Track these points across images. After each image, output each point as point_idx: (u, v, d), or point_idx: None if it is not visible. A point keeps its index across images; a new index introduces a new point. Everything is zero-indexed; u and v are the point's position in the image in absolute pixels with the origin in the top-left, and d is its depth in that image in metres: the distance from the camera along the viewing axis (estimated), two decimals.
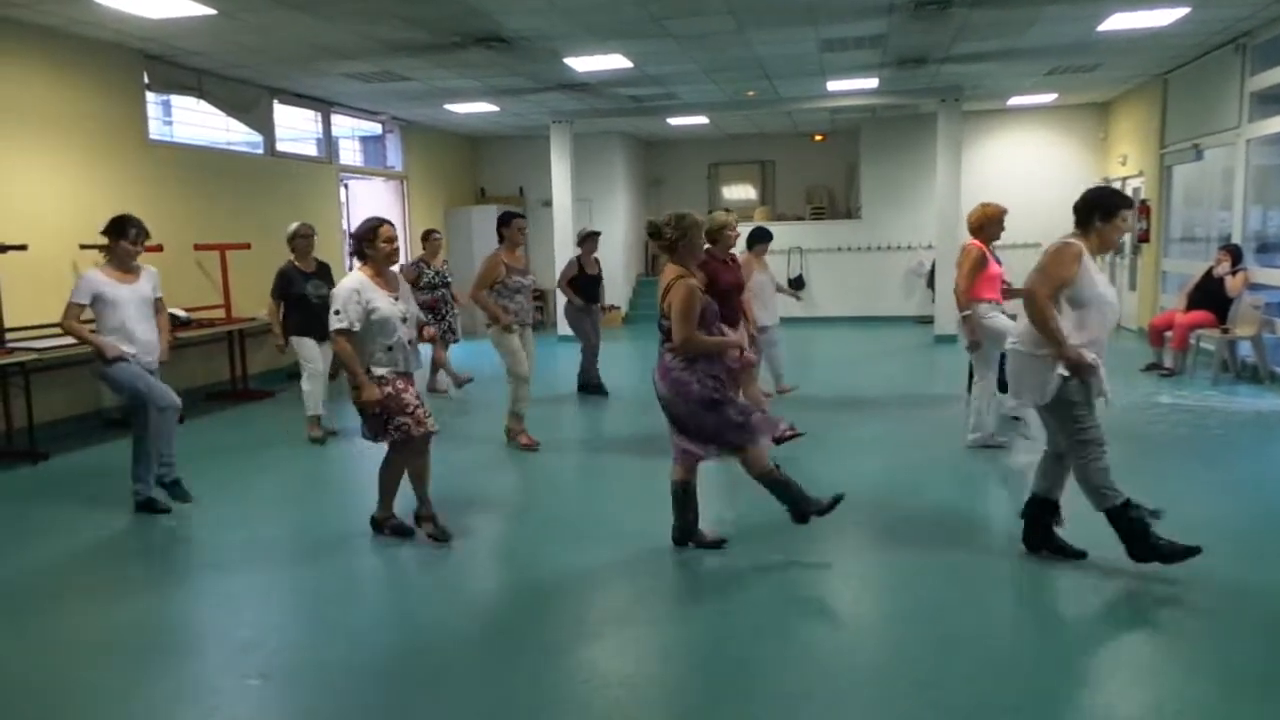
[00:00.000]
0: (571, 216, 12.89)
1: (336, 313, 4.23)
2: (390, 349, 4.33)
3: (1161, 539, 3.73)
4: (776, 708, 2.91)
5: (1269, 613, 3.51)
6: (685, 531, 4.28)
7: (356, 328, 4.25)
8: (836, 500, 4.19)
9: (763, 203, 15.97)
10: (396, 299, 4.40)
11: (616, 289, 15.11)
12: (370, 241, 4.35)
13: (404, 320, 4.40)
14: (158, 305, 5.17)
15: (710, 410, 4.02)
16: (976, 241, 5.85)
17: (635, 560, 4.26)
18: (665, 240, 4.08)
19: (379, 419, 4.36)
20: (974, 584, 3.87)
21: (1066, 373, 3.68)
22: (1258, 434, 6.45)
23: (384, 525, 4.59)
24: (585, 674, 3.26)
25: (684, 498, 4.24)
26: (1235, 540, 4.35)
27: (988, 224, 5.84)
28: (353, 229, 4.47)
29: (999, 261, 5.91)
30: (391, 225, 4.47)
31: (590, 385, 8.57)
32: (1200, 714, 2.85)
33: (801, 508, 4.16)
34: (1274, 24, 8.14)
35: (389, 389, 4.30)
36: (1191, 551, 3.69)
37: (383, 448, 4.52)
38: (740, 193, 16.40)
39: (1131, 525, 3.74)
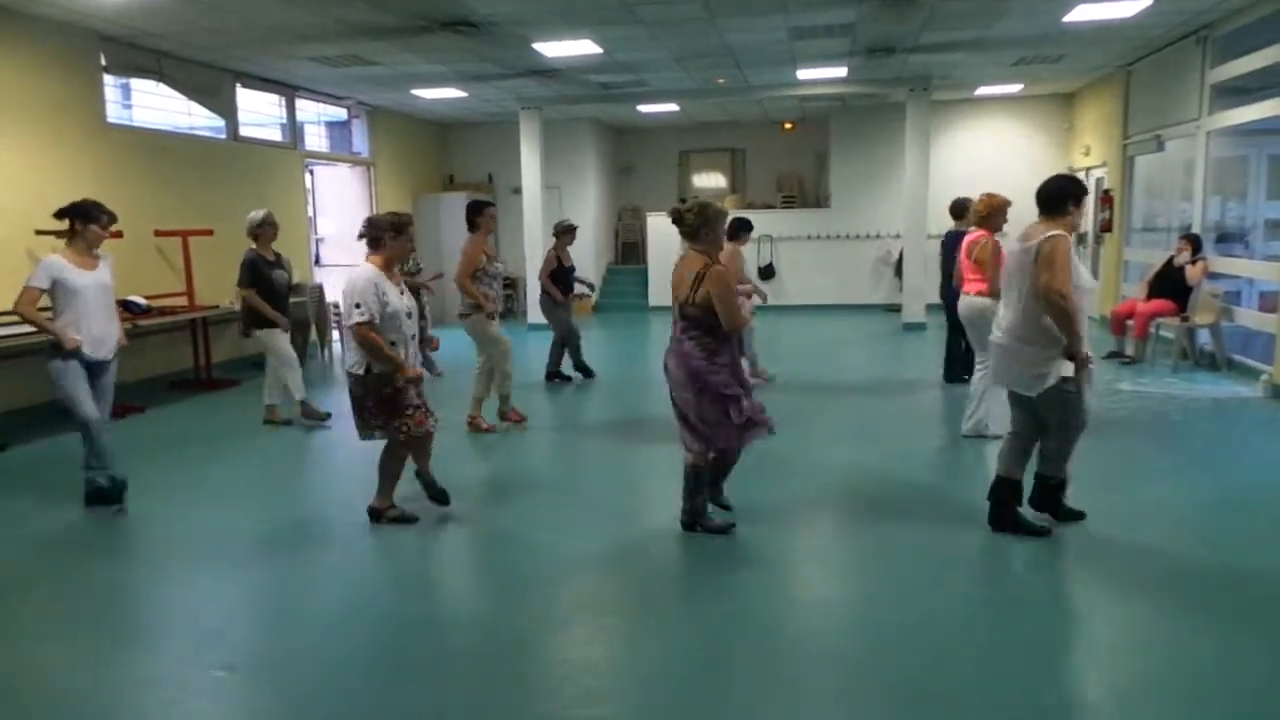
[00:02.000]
0: (541, 204, 12.81)
1: (357, 306, 4.19)
2: (394, 344, 4.30)
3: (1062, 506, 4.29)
4: (744, 691, 2.93)
5: (1224, 592, 3.59)
6: (695, 515, 4.29)
7: (378, 320, 4.23)
8: (726, 528, 4.29)
9: (733, 191, 15.99)
10: (402, 293, 4.42)
11: (586, 277, 15.05)
12: (396, 235, 4.37)
13: (409, 315, 4.41)
14: None
15: (717, 403, 4.04)
16: (984, 231, 5.87)
17: (605, 548, 4.25)
18: (686, 226, 4.10)
19: (373, 415, 4.36)
20: (943, 567, 3.91)
21: (1070, 373, 3.81)
22: (1216, 420, 6.59)
23: (384, 515, 4.55)
24: (556, 662, 3.26)
25: (696, 482, 4.25)
26: (1192, 523, 4.45)
27: (994, 213, 5.88)
28: (371, 216, 4.49)
29: None
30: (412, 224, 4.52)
31: (558, 373, 8.52)
32: (1158, 690, 2.91)
33: (695, 515, 4.27)
34: (1234, 17, 8.28)
35: (388, 389, 4.30)
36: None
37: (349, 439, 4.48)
38: (710, 181, 16.40)
39: (1056, 496, 4.24)
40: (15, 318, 6.96)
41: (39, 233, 7.28)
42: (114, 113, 8.52)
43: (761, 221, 14.34)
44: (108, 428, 4.96)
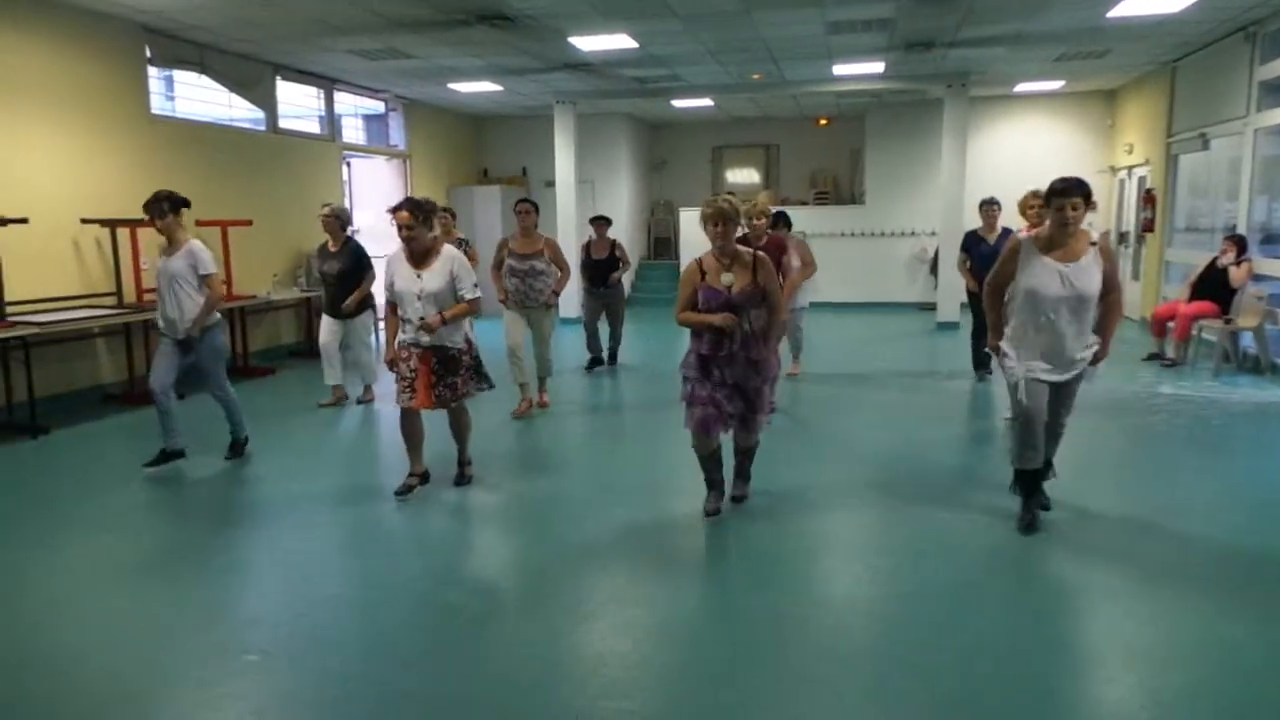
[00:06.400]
0: (575, 197, 12.84)
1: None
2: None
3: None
4: (773, 689, 2.93)
5: (1262, 600, 3.53)
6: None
7: None
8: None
9: (766, 186, 15.90)
10: None
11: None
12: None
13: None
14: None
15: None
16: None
17: (633, 538, 4.27)
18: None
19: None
20: (974, 563, 3.88)
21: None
22: (1258, 426, 6.44)
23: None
24: (582, 653, 3.27)
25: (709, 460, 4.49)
26: (1231, 531, 4.36)
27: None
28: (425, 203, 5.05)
29: None
30: None
31: (597, 359, 8.91)
32: (1200, 698, 2.87)
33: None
34: None
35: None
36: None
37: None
38: (744, 176, 16.34)
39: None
40: (58, 304, 7.23)
41: (84, 221, 7.46)
42: (157, 104, 8.67)
43: (795, 218, 14.20)
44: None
